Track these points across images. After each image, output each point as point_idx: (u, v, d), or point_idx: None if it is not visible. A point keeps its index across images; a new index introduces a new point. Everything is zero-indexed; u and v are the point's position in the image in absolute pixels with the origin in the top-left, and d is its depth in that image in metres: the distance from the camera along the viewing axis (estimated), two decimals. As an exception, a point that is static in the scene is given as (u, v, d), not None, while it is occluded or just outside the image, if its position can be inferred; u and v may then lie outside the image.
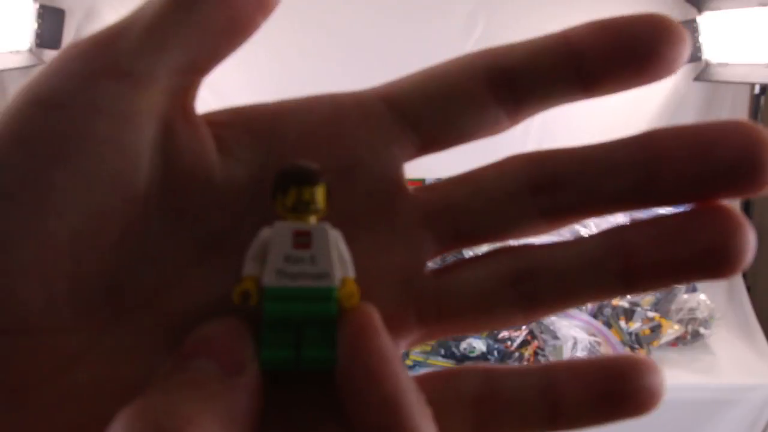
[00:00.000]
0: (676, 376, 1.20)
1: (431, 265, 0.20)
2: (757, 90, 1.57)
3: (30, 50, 1.49)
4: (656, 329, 1.22)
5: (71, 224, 0.16)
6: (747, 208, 1.63)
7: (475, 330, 0.20)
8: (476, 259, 0.20)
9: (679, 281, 0.18)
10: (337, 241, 0.18)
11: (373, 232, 0.19)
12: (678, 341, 1.27)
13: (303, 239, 0.17)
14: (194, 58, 0.17)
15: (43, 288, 0.16)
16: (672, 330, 1.23)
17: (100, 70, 0.16)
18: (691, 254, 0.18)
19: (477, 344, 1.18)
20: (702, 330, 1.28)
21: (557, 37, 0.18)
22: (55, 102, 0.16)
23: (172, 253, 0.18)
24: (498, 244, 0.20)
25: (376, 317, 0.17)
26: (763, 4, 1.36)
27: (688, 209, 0.18)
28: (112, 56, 0.16)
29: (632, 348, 1.20)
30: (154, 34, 0.16)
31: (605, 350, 1.19)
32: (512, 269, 0.19)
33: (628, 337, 1.21)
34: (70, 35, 1.57)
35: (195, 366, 0.16)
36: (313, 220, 0.18)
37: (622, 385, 0.18)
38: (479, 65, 0.19)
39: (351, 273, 0.18)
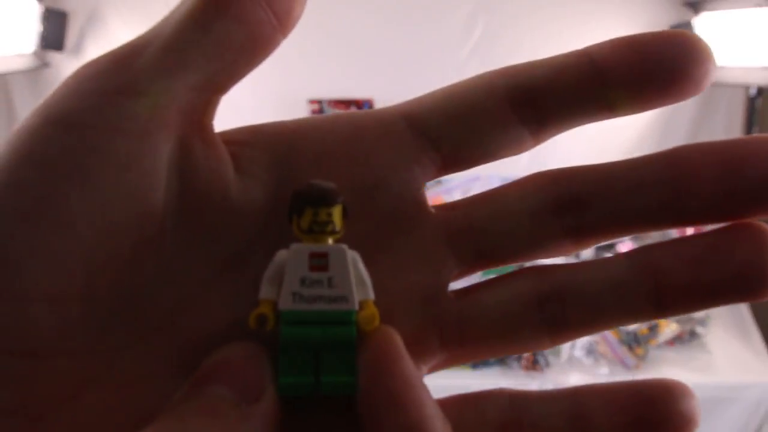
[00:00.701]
0: (674, 374, 1.21)
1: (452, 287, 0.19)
2: (753, 92, 1.58)
3: (34, 53, 1.50)
4: (654, 328, 1.24)
5: (85, 245, 0.16)
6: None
7: (499, 354, 0.19)
8: (499, 279, 0.19)
9: (712, 304, 0.18)
10: (355, 262, 0.17)
11: (394, 252, 0.18)
12: (675, 340, 1.28)
13: (320, 261, 0.17)
14: (212, 76, 0.17)
15: (55, 310, 0.16)
16: (669, 329, 1.24)
17: (117, 89, 0.16)
18: (725, 275, 0.17)
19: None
20: (699, 329, 1.29)
21: (580, 55, 0.18)
22: (71, 121, 0.16)
23: (187, 275, 0.17)
24: (521, 265, 0.19)
25: (398, 340, 0.16)
26: (759, 5, 1.37)
27: (719, 228, 0.18)
28: (129, 75, 0.16)
29: (630, 347, 1.22)
30: (172, 53, 0.16)
31: (603, 349, 1.21)
32: (537, 291, 0.18)
33: (626, 337, 1.23)
34: (73, 37, 1.59)
35: (210, 392, 0.15)
36: (330, 241, 0.17)
37: (657, 411, 0.17)
38: (500, 84, 0.18)
39: (371, 295, 0.17)
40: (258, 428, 0.15)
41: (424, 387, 0.16)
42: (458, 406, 0.18)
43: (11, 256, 0.15)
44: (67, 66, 1.60)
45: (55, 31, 1.52)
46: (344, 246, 0.17)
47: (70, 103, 0.16)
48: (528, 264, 0.19)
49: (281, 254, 0.17)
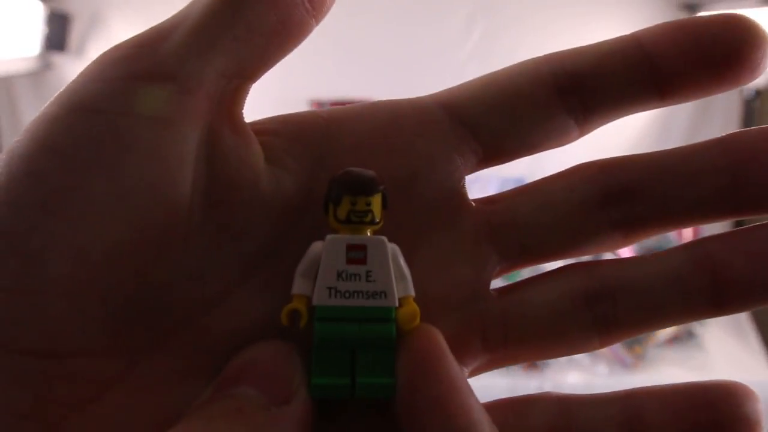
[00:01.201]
0: (672, 373, 1.23)
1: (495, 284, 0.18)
2: (749, 94, 1.59)
3: (39, 55, 1.51)
4: (651, 328, 1.25)
5: (108, 237, 0.15)
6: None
7: (545, 356, 0.18)
8: (545, 276, 0.18)
9: None
10: (395, 255, 0.16)
11: (433, 246, 0.17)
12: (673, 340, 1.29)
13: (357, 254, 0.16)
14: (242, 62, 0.16)
15: (76, 307, 0.15)
16: (667, 329, 1.25)
17: (142, 74, 0.15)
18: None
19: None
20: (696, 328, 1.30)
21: (628, 39, 0.17)
22: (93, 108, 0.15)
23: (214, 271, 0.16)
24: (568, 261, 0.18)
25: (441, 340, 0.16)
26: (756, 6, 1.38)
27: None
28: (155, 59, 0.15)
29: (628, 346, 1.22)
30: (201, 36, 0.15)
31: (601, 349, 1.22)
32: (586, 288, 0.18)
33: (624, 336, 1.23)
34: (75, 40, 1.59)
35: (237, 394, 0.15)
36: (368, 232, 0.16)
37: (719, 415, 0.16)
38: (545, 70, 0.17)
39: (411, 291, 0.16)
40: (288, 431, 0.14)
41: (470, 390, 0.15)
42: (502, 411, 0.18)
43: (32, 248, 0.14)
44: (69, 68, 1.61)
45: (58, 34, 1.53)
46: (384, 238, 0.16)
47: (92, 89, 0.15)
48: (575, 260, 0.18)
49: (316, 246, 0.16)
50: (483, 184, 1.54)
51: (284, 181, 0.17)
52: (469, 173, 0.18)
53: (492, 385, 1.18)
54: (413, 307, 0.16)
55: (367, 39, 1.71)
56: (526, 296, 0.18)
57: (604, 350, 1.22)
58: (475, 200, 0.18)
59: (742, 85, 0.17)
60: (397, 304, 0.16)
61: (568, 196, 0.18)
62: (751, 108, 1.61)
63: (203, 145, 0.16)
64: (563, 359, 1.20)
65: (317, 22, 0.17)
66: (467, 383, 0.15)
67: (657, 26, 0.17)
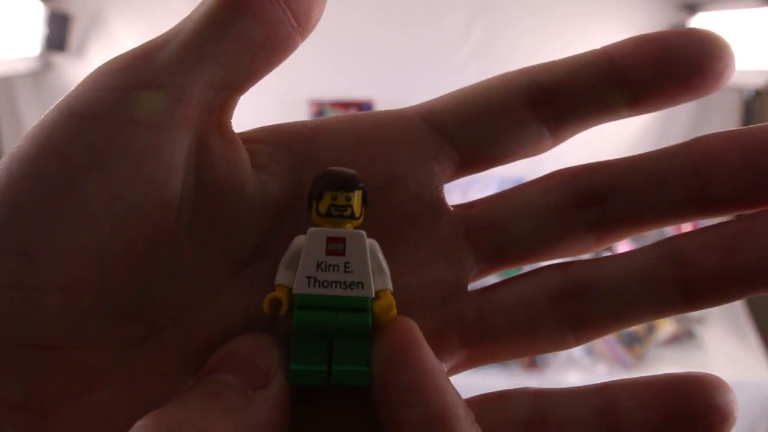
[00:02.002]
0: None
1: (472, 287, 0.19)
2: (749, 95, 1.59)
3: (39, 56, 1.51)
4: (652, 328, 1.24)
5: (102, 236, 0.16)
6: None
7: (522, 354, 0.18)
8: (521, 276, 0.19)
9: (743, 293, 0.17)
10: (374, 250, 0.17)
11: (413, 248, 0.18)
12: (673, 340, 1.29)
13: (337, 245, 0.16)
14: (230, 74, 0.17)
15: (70, 302, 0.16)
16: (667, 329, 1.25)
17: (137, 84, 0.16)
18: (756, 262, 0.17)
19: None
20: (696, 328, 1.30)
21: (599, 53, 0.18)
22: (89, 114, 0.16)
23: (202, 270, 0.17)
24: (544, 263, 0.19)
25: (417, 330, 0.16)
26: (756, 6, 1.38)
27: (748, 215, 0.17)
28: (148, 71, 0.16)
29: (628, 346, 1.23)
30: (191, 49, 0.16)
31: (601, 349, 1.22)
32: (560, 286, 0.18)
33: (624, 336, 1.23)
34: (76, 40, 1.59)
35: (215, 380, 0.15)
36: (348, 226, 0.17)
37: (692, 407, 0.17)
38: (519, 82, 0.18)
39: (389, 285, 0.17)
40: (264, 414, 0.15)
41: (444, 376, 0.16)
42: (481, 406, 0.18)
43: (31, 246, 0.15)
44: (70, 69, 1.61)
45: (58, 34, 1.52)
46: (362, 231, 0.17)
47: (90, 97, 0.16)
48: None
49: (299, 239, 0.17)
50: (483, 184, 1.54)
51: (270, 185, 0.18)
52: (448, 181, 0.19)
53: (491, 384, 1.18)
54: (390, 300, 0.17)
55: (367, 39, 1.71)
56: (503, 295, 0.18)
57: (604, 350, 1.22)
58: (453, 206, 0.19)
59: (708, 94, 0.17)
60: (373, 295, 0.16)
61: (543, 199, 0.18)
62: (750, 108, 1.61)
63: (193, 151, 0.17)
64: (563, 359, 1.20)
65: (303, 38, 0.17)
66: (442, 370, 0.16)
67: (625, 39, 0.18)
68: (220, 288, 0.17)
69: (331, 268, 0.16)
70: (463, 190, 1.52)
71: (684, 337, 1.30)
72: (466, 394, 0.17)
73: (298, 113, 1.64)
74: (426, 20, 1.69)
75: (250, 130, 0.19)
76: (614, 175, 0.18)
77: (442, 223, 0.18)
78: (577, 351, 1.21)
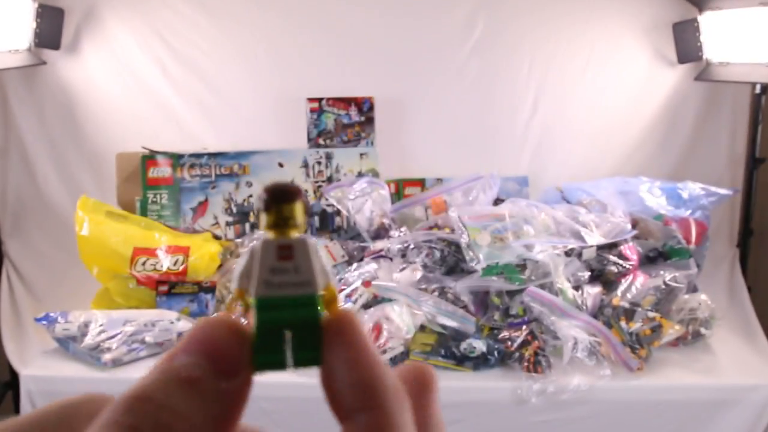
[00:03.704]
0: (677, 376, 1.20)
1: None
2: (758, 89, 1.57)
3: (29, 49, 1.49)
4: (657, 329, 1.22)
5: None
6: (747, 207, 1.63)
7: None
8: None
9: None
10: (317, 249, 0.19)
11: None
12: (679, 341, 1.26)
13: (286, 252, 0.19)
14: None
15: None
16: (673, 330, 1.22)
17: None
18: None
19: (477, 344, 1.18)
20: (703, 330, 1.27)
21: None
22: None
23: None
24: None
25: (354, 318, 0.19)
26: (764, 4, 1.36)
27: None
28: None
29: (633, 348, 1.20)
30: None
31: (606, 351, 1.19)
32: None
33: (628, 338, 1.21)
34: (69, 35, 1.57)
35: (190, 363, 0.17)
36: (294, 234, 0.19)
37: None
38: None
39: (331, 280, 0.19)
40: (232, 402, 0.17)
41: (376, 353, 0.18)
42: None
43: None
44: (62, 64, 1.59)
45: (51, 29, 1.50)
46: (306, 236, 0.19)
47: None
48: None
49: (254, 248, 0.19)
50: (485, 183, 1.52)
51: None
52: None
53: (495, 387, 1.16)
54: (333, 293, 0.19)
55: (366, 36, 1.70)
56: None
57: (609, 353, 1.19)
58: None
59: None
60: (320, 291, 0.19)
61: None
62: (758, 103, 1.59)
63: None
64: (567, 362, 1.17)
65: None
66: (375, 349, 0.18)
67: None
68: None
69: (283, 272, 0.19)
70: (465, 190, 1.50)
71: (690, 339, 1.27)
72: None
73: (297, 110, 1.62)
74: (426, 17, 1.67)
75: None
76: None
77: None
78: (581, 353, 1.18)
